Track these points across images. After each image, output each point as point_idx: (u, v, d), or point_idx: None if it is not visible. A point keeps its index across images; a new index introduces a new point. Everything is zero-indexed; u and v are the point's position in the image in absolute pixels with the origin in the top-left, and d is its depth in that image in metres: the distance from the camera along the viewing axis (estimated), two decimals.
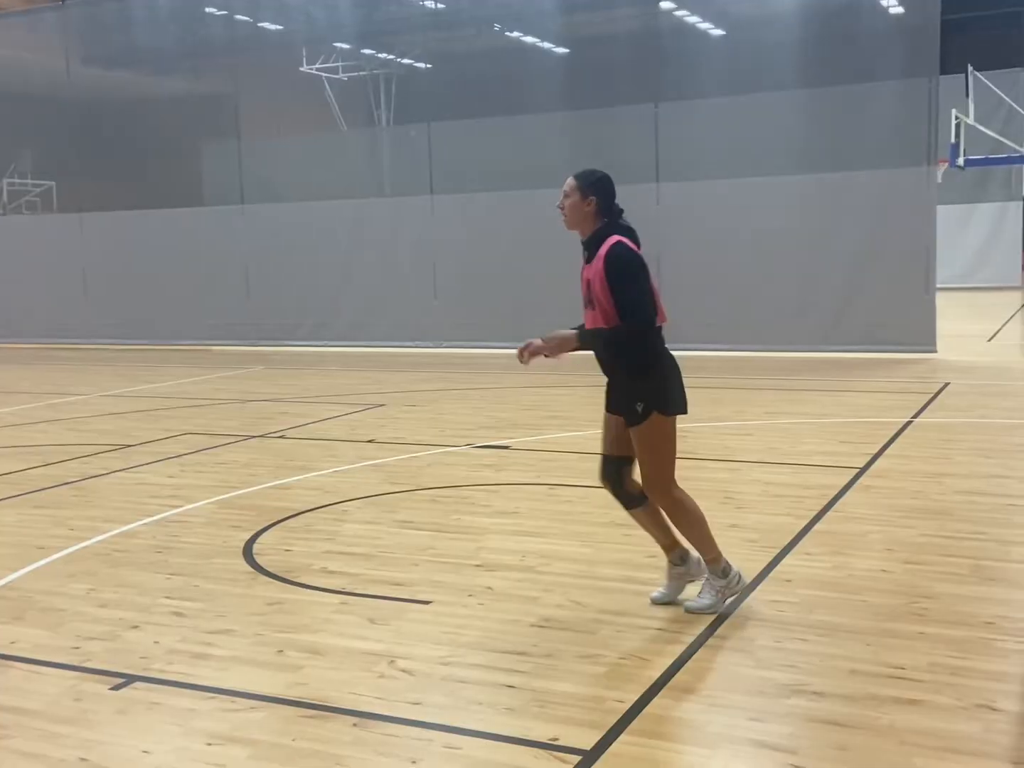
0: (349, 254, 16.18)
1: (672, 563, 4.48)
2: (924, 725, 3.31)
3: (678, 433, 4.27)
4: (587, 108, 15.51)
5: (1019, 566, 4.90)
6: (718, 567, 4.34)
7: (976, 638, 4.00)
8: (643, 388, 4.17)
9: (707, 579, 4.37)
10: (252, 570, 5.15)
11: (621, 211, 4.27)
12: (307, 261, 16.45)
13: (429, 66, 17.30)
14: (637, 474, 4.33)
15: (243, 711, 3.58)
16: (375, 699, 3.65)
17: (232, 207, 17.11)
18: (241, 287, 16.96)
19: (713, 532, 4.31)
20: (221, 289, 17.03)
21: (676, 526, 4.38)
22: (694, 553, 4.48)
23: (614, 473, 4.40)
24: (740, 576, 4.39)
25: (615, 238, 4.14)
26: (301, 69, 19.21)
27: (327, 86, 19.68)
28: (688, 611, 4.34)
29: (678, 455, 4.29)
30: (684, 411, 4.27)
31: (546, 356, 4.23)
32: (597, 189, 4.20)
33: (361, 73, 20.20)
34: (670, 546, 4.48)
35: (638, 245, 4.23)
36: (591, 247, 4.20)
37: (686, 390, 4.30)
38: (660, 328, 4.22)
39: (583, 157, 15.84)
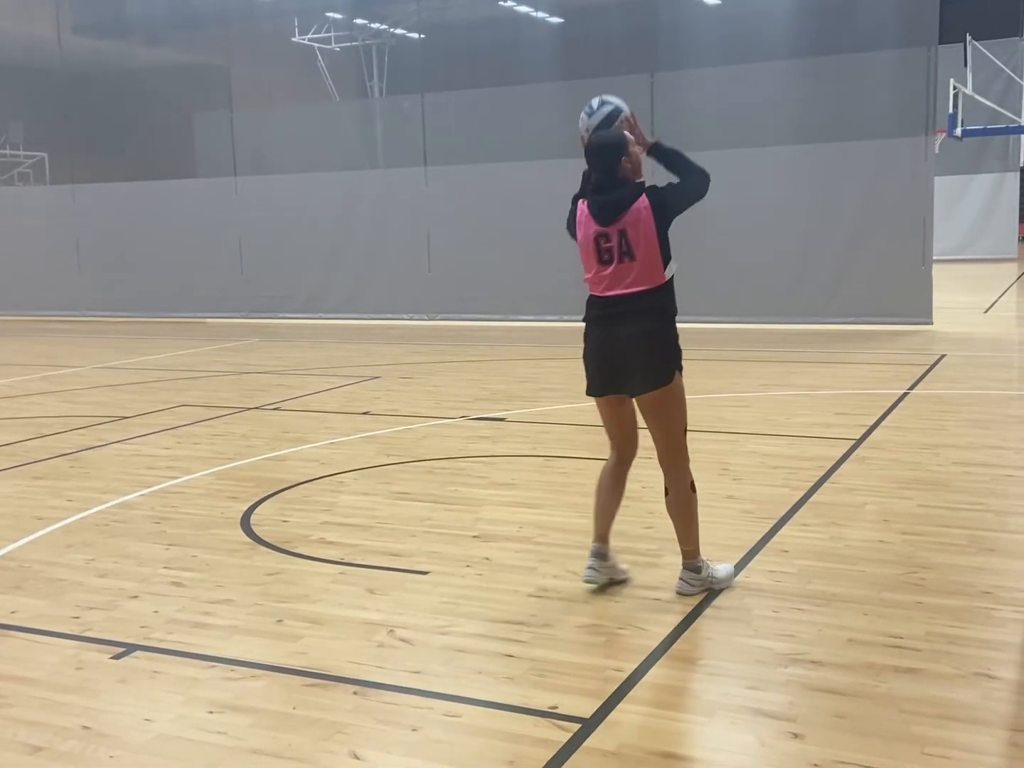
0: (342, 226, 16.10)
1: (599, 553, 4.32)
2: (922, 693, 3.33)
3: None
4: (582, 78, 15.36)
5: (1016, 536, 4.92)
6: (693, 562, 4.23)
7: (973, 607, 4.02)
8: (673, 341, 4.12)
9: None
10: (250, 541, 5.16)
11: None
12: (300, 233, 16.38)
13: (422, 36, 17.16)
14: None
15: (244, 680, 3.59)
16: (375, 668, 3.66)
17: (225, 179, 17.01)
18: (235, 259, 16.90)
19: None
20: (214, 261, 16.97)
21: (675, 513, 4.21)
22: (614, 561, 4.34)
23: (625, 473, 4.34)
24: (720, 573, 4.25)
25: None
26: (293, 39, 19.06)
27: (319, 57, 19.53)
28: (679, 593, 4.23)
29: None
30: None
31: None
32: None
33: (354, 43, 20.06)
34: (604, 535, 4.33)
35: None
36: (623, 201, 4.04)
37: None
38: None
39: (577, 128, 15.77)
